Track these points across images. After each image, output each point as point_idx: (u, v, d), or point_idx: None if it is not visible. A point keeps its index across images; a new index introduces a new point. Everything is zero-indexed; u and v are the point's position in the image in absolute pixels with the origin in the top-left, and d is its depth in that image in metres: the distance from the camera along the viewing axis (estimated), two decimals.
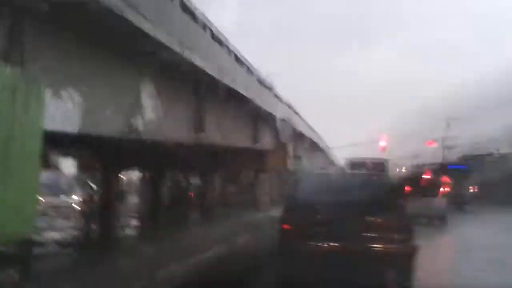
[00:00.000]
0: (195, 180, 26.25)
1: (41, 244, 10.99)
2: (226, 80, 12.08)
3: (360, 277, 5.96)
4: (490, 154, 42.58)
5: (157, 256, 8.61)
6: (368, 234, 6.12)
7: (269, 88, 19.12)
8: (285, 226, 6.45)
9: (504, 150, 40.10)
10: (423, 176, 19.29)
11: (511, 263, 8.29)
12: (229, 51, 13.02)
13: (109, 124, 8.26)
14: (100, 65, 7.70)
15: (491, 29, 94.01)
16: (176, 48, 8.67)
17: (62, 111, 6.54)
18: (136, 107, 9.05)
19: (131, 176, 30.35)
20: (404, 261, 6.10)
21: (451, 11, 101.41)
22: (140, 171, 24.28)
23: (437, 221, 16.52)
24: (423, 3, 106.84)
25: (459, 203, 23.96)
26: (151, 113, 9.54)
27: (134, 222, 17.32)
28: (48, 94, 6.00)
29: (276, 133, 22.34)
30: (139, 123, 9.11)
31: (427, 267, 7.34)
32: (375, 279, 5.95)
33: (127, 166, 20.72)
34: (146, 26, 7.52)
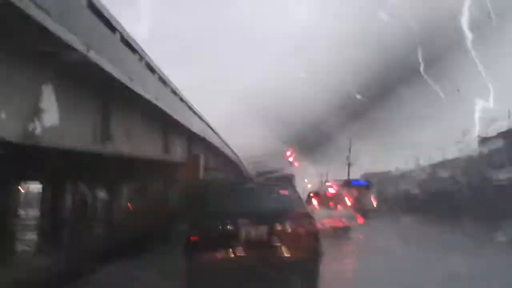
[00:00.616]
0: (102, 192, 25.09)
1: None
2: (136, 87, 11.66)
3: (267, 285, 5.95)
4: (388, 172, 45.96)
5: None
6: (275, 242, 6.15)
7: (182, 99, 18.86)
8: (192, 238, 6.29)
9: (401, 167, 43.44)
10: (328, 190, 20.19)
11: (400, 264, 8.83)
12: (141, 57, 12.64)
13: (2, 127, 7.56)
14: None
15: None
16: (81, 48, 8.19)
17: None
18: (35, 110, 8.39)
19: (32, 187, 28.41)
20: (310, 267, 6.22)
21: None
22: (40, 182, 22.76)
23: (341, 230, 17.34)
24: None
25: (361, 214, 25.32)
26: (51, 117, 8.90)
27: (30, 237, 16.05)
28: None
29: (188, 144, 22.06)
30: (37, 128, 8.45)
31: (331, 271, 7.58)
32: (282, 286, 5.98)
33: (26, 176, 19.31)
34: (49, 23, 7.01)
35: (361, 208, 25.99)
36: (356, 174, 40.07)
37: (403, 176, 42.56)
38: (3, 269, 8.53)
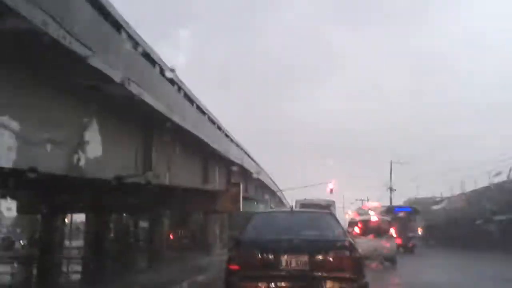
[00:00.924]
0: (143, 222, 25.46)
1: None
2: (175, 118, 11.87)
3: None
4: (433, 198, 44.41)
5: None
6: (318, 273, 5.95)
7: (220, 129, 19.07)
8: (232, 266, 6.18)
9: (445, 194, 41.88)
10: (371, 218, 19.62)
11: None
12: (179, 88, 12.90)
13: (48, 160, 7.81)
14: (37, 96, 7.33)
15: (429, 69, 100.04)
16: (122, 81, 8.43)
17: None
18: (78, 143, 8.65)
19: (77, 218, 29.15)
20: None
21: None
22: (84, 213, 23.32)
23: (387, 261, 16.69)
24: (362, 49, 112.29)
25: (406, 244, 24.43)
26: (95, 150, 9.15)
27: (77, 267, 16.33)
28: None
29: (227, 174, 22.15)
30: (81, 160, 8.69)
31: None
32: None
33: (71, 208, 19.82)
34: (93, 60, 7.28)
35: (405, 236, 25.08)
36: (398, 200, 39.04)
37: (448, 202, 40.94)
38: None
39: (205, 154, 17.55)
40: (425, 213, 36.83)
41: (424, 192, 45.68)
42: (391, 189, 39.06)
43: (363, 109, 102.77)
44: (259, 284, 5.96)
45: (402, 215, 28.29)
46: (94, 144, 9.09)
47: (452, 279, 12.86)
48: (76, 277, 14.27)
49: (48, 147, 7.69)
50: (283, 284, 5.91)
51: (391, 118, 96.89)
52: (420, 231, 30.23)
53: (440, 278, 13.12)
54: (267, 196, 37.51)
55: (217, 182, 20.12)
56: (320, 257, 6.05)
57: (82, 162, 8.72)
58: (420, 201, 41.59)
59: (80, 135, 8.71)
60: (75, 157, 8.56)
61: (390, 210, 30.12)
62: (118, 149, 10.47)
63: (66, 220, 26.61)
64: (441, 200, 42.77)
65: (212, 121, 17.46)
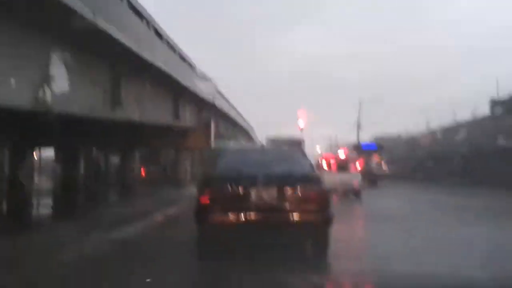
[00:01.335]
0: (114, 158, 25.43)
1: None
2: (145, 54, 11.63)
3: (278, 247, 6.07)
4: (398, 136, 45.72)
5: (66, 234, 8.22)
6: (287, 205, 6.21)
7: (191, 65, 18.79)
8: (202, 200, 6.37)
9: (412, 132, 43.14)
10: (338, 154, 20.20)
11: (413, 231, 8.90)
12: (148, 23, 12.53)
13: (15, 95, 7.65)
14: (1, 30, 7.05)
15: (414, 9, 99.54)
16: (89, 16, 8.14)
17: None
18: (45, 78, 8.45)
19: (46, 153, 28.78)
20: (320, 230, 6.29)
21: None
22: (54, 148, 23.04)
23: (352, 194, 17.39)
24: None
25: (371, 178, 25.39)
26: (61, 85, 8.96)
27: (48, 202, 16.39)
28: None
29: (198, 111, 22.10)
30: (48, 95, 8.52)
31: (342, 235, 7.69)
32: (292, 249, 6.09)
33: (40, 143, 19.56)
34: None
35: (371, 172, 26.02)
36: (365, 138, 39.95)
37: (413, 140, 42.32)
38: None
39: (176, 91, 17.37)
40: (391, 150, 38.04)
41: (392, 130, 46.88)
42: (358, 126, 39.67)
43: (336, 51, 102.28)
44: (229, 216, 6.18)
45: (368, 151, 29.22)
46: (61, 79, 8.90)
47: (404, 206, 13.91)
48: (47, 211, 14.36)
49: (13, 81, 7.51)
50: (252, 216, 6.13)
51: (364, 59, 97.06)
52: (384, 166, 31.35)
53: (397, 207, 14.02)
54: (238, 134, 37.78)
55: (188, 118, 20.10)
56: (288, 190, 6.29)
57: (48, 97, 8.56)
58: (387, 138, 42.77)
59: (46, 70, 8.49)
60: (41, 92, 8.39)
61: (357, 146, 30.96)
62: (86, 85, 10.28)
63: (35, 155, 26.31)
64: (407, 137, 44.10)
65: (183, 58, 17.16)
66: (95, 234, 8.26)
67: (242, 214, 6.12)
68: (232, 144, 28.18)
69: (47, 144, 20.48)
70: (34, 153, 25.16)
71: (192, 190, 15.01)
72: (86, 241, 7.67)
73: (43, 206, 15.53)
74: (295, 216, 6.21)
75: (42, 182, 22.65)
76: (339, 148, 26.57)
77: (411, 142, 41.54)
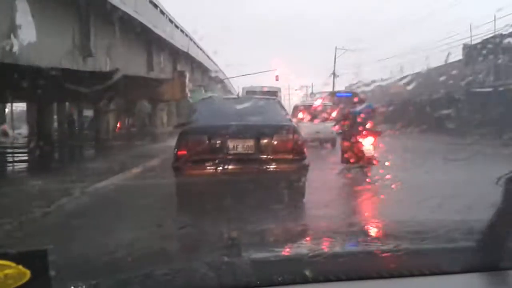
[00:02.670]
0: (87, 111, 25.00)
1: None
2: (114, 1, 11.16)
3: (254, 197, 6.12)
4: (374, 81, 45.78)
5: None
6: (263, 155, 6.24)
7: (164, 13, 18.16)
8: (180, 152, 6.34)
9: (386, 78, 43.37)
10: (313, 103, 20.19)
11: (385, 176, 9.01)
12: None
13: None
14: None
15: None
16: None
17: None
18: (11, 27, 8.06)
19: (17, 107, 28.14)
20: (296, 179, 6.37)
21: None
22: (25, 102, 22.47)
23: (327, 143, 17.57)
24: None
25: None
26: (29, 35, 8.59)
27: (22, 156, 16.12)
28: None
29: (173, 62, 21.63)
30: (14, 46, 8.16)
31: (317, 182, 7.79)
32: (270, 197, 6.16)
33: (9, 96, 19.02)
34: None
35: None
36: (342, 87, 40.06)
37: (388, 87, 42.63)
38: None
39: (149, 41, 16.88)
40: (366, 98, 38.15)
41: (367, 78, 47.06)
42: (334, 75, 39.59)
43: None
44: (207, 168, 6.19)
45: (343, 100, 29.33)
46: (27, 29, 8.52)
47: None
48: (21, 165, 14.14)
49: None
50: (230, 167, 6.16)
51: (341, 5, 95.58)
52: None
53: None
54: (214, 84, 37.35)
55: (162, 70, 19.68)
56: (265, 140, 6.31)
57: (15, 48, 8.22)
58: (362, 86, 42.82)
59: (10, 19, 8.08)
60: (8, 42, 8.03)
61: (332, 95, 31.03)
62: (54, 35, 9.88)
63: (6, 109, 25.68)
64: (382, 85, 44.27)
65: (155, 5, 16.54)
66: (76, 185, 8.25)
67: (218, 164, 6.13)
68: (207, 95, 27.94)
69: (18, 98, 19.92)
70: (6, 108, 24.53)
71: (169, 142, 14.93)
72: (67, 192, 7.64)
73: (18, 161, 15.29)
74: (271, 166, 6.26)
75: (16, 136, 22.21)
76: (314, 98, 26.58)
77: (385, 90, 41.89)
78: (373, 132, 9.99)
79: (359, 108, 10.71)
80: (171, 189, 6.40)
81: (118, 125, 25.84)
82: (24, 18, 8.48)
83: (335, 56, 39.76)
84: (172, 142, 6.81)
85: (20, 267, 0.78)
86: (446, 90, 29.29)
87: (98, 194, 8.01)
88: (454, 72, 30.41)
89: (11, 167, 14.18)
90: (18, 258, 0.79)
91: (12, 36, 8.16)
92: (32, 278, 0.79)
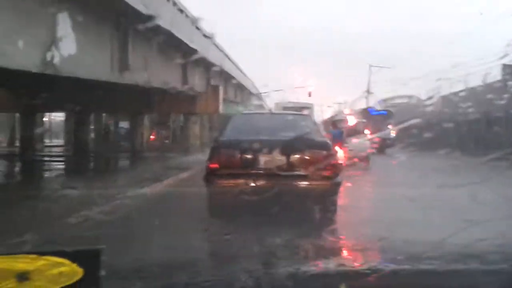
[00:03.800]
0: (123, 122, 25.54)
1: None
2: (152, 15, 11.41)
3: (284, 212, 6.08)
4: (410, 97, 45.12)
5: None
6: (295, 171, 6.19)
7: (199, 29, 18.48)
8: (212, 165, 6.37)
9: (423, 97, 42.59)
10: (346, 119, 20.02)
11: (420, 200, 8.85)
12: None
13: (22, 57, 7.59)
14: None
15: None
16: None
17: None
18: (52, 39, 8.36)
19: (56, 117, 29.04)
20: (329, 196, 6.29)
21: None
22: (64, 112, 23.17)
23: (360, 161, 17.33)
24: None
25: (380, 146, 25.24)
26: (69, 47, 8.87)
27: (59, 165, 16.58)
28: None
29: (207, 76, 21.91)
30: (55, 58, 8.45)
31: (350, 201, 7.68)
32: (301, 213, 6.10)
33: (49, 107, 19.66)
34: None
35: (380, 138, 25.84)
36: (375, 104, 39.61)
37: (423, 106, 41.76)
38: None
39: (184, 55, 17.17)
40: (400, 116, 37.66)
41: (401, 95, 46.33)
42: (368, 92, 39.36)
43: (347, 11, 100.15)
44: (238, 182, 6.18)
45: (377, 117, 29.00)
46: (68, 42, 8.80)
47: (410, 173, 13.85)
48: (58, 173, 14.54)
49: (21, 44, 7.43)
50: (260, 181, 6.13)
51: (376, 21, 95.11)
52: (393, 133, 31.13)
53: (403, 174, 13.97)
54: (247, 99, 37.62)
55: (196, 84, 19.96)
56: (297, 156, 6.26)
57: (56, 60, 8.50)
58: (396, 104, 42.35)
59: (52, 32, 8.38)
60: (49, 54, 8.33)
61: (366, 112, 30.67)
62: (93, 48, 10.19)
63: (46, 119, 26.53)
64: (418, 103, 43.56)
65: (191, 21, 16.86)
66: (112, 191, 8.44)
67: (250, 179, 6.12)
68: (240, 110, 28.13)
69: (57, 108, 20.56)
70: (45, 117, 25.31)
71: (201, 155, 15.07)
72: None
73: (55, 169, 15.71)
74: (303, 182, 6.20)
75: (54, 145, 22.85)
76: (348, 114, 26.37)
77: (421, 108, 41.08)
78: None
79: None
80: (203, 202, 6.44)
81: (152, 136, 26.28)
82: (66, 31, 8.78)
83: (369, 73, 39.52)
84: (204, 155, 6.87)
85: (75, 265, 0.81)
86: (484, 110, 28.56)
87: (133, 203, 8.13)
88: (492, 92, 29.59)
89: (48, 174, 14.57)
90: (73, 256, 0.82)
91: (53, 48, 8.45)
92: (84, 276, 0.82)
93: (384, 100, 41.72)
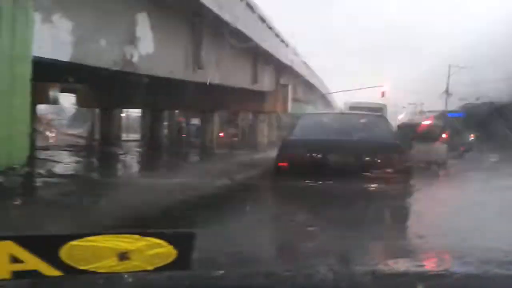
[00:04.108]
0: (194, 119, 26.29)
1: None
2: (225, 15, 11.65)
3: (353, 214, 5.96)
4: (491, 103, 42.47)
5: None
6: (365, 173, 6.05)
7: (270, 28, 18.58)
8: (280, 164, 6.39)
9: (505, 100, 39.96)
10: (422, 122, 19.26)
11: (502, 207, 8.33)
12: None
13: (103, 55, 8.03)
14: None
15: None
16: None
17: (52, 38, 6.29)
18: (131, 38, 8.76)
19: (131, 113, 30.49)
20: (400, 201, 6.10)
21: None
22: (140, 108, 24.26)
23: (436, 165, 16.60)
24: None
25: (458, 149, 24.09)
26: (146, 46, 9.26)
27: (135, 158, 17.38)
28: (36, 20, 5.74)
29: (276, 75, 22.00)
30: (134, 56, 8.86)
31: (422, 206, 7.39)
32: (372, 215, 5.96)
33: (125, 103, 20.64)
34: None
35: (457, 141, 24.66)
36: (454, 106, 37.76)
37: (505, 109, 39.10)
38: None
39: (255, 54, 17.36)
40: (480, 119, 35.63)
41: (484, 97, 43.71)
42: (447, 93, 37.42)
43: (421, 10, 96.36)
44: (306, 181, 6.15)
45: (454, 120, 27.63)
46: (145, 41, 9.20)
47: (491, 178, 12.90)
48: (135, 166, 15.26)
49: (103, 42, 7.86)
50: (330, 182, 6.06)
51: (453, 19, 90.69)
52: (472, 136, 29.54)
53: (486, 179, 13.09)
54: (316, 98, 37.32)
55: (266, 82, 20.11)
56: (368, 157, 6.12)
57: (135, 58, 8.90)
58: (477, 107, 40.05)
59: (132, 31, 8.78)
60: (129, 52, 8.74)
61: (443, 114, 29.36)
62: (169, 47, 10.55)
63: (123, 115, 27.89)
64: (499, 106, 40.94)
65: (262, 20, 16.99)
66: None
67: (318, 178, 6.06)
68: (310, 110, 27.97)
69: (134, 105, 21.57)
70: (122, 113, 26.59)
71: (269, 154, 15.15)
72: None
73: (132, 162, 16.48)
74: (373, 184, 6.05)
75: (130, 140, 23.98)
76: (423, 117, 25.36)
77: (503, 110, 38.46)
78: None
79: None
80: (274, 198, 6.47)
81: (221, 134, 26.83)
82: (144, 30, 9.18)
83: (448, 73, 37.72)
84: (272, 153, 6.89)
85: (171, 247, 0.85)
86: None
87: (213, 193, 8.36)
88: None
89: (125, 166, 15.28)
90: (170, 238, 0.86)
91: (132, 46, 8.86)
92: (177, 259, 0.86)
93: (463, 102, 39.64)
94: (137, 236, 0.86)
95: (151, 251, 0.85)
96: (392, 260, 1.52)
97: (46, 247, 0.83)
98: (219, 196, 8.06)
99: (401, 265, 1.45)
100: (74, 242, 0.83)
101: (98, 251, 0.84)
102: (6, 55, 4.81)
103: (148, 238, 0.86)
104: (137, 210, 5.70)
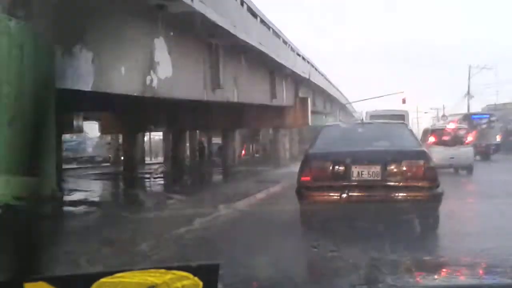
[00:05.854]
0: (215, 138, 26.48)
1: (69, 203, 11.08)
2: (240, 34, 11.79)
3: (384, 225, 5.87)
4: None
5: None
6: (391, 182, 5.96)
7: (286, 43, 18.69)
8: (303, 178, 6.34)
9: None
10: (446, 126, 18.95)
11: None
12: (242, 2, 12.64)
13: (123, 82, 8.18)
14: (110, 19, 7.52)
15: None
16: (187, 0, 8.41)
17: (74, 69, 6.45)
18: (150, 64, 8.92)
19: (154, 136, 30.87)
20: (428, 209, 5.97)
21: None
22: (162, 131, 24.58)
23: (463, 169, 16.26)
24: None
25: (484, 152, 23.56)
26: (165, 70, 9.41)
27: (159, 181, 17.55)
28: (58, 51, 5.90)
29: (294, 88, 22.04)
30: (153, 81, 9.00)
31: (453, 214, 7.23)
32: (399, 227, 5.86)
33: (148, 126, 20.94)
34: None
35: (483, 144, 24.15)
36: (477, 108, 37.12)
37: None
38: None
39: (272, 70, 17.45)
40: (505, 120, 34.89)
41: (506, 98, 42.90)
42: (469, 95, 36.75)
43: (438, 14, 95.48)
44: (331, 194, 6.09)
45: (480, 122, 27.09)
46: (164, 65, 9.34)
47: None
48: (158, 188, 15.39)
49: (123, 70, 8.02)
50: (355, 193, 5.97)
51: (471, 21, 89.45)
52: (498, 138, 28.88)
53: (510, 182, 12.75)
54: (336, 109, 37.15)
55: (284, 97, 20.14)
56: (392, 167, 6.02)
57: (154, 83, 9.04)
58: (500, 108, 39.25)
59: (150, 56, 8.94)
60: (148, 78, 8.88)
61: (467, 117, 28.84)
62: (187, 69, 10.69)
63: (146, 139, 28.28)
64: None
65: (277, 35, 17.11)
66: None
67: (343, 191, 5.99)
68: (330, 121, 27.83)
69: (156, 128, 21.86)
70: (145, 137, 26.95)
71: (291, 168, 15.11)
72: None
73: (155, 185, 16.64)
74: (400, 194, 5.95)
75: (154, 163, 24.23)
76: (447, 121, 24.93)
77: None
78: None
79: None
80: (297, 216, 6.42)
81: (243, 151, 26.88)
82: (162, 55, 9.33)
83: (469, 75, 37.12)
84: (295, 168, 6.85)
85: (196, 278, 0.87)
86: None
87: (232, 217, 8.38)
88: None
89: (149, 189, 15.44)
90: (195, 270, 0.88)
91: (151, 72, 9.01)
92: None
93: (488, 104, 38.84)
94: (163, 270, 0.89)
95: (178, 283, 0.87)
96: (419, 275, 1.47)
97: (78, 286, 0.85)
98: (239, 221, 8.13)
99: (428, 281, 1.41)
100: (104, 279, 0.86)
101: (127, 286, 0.86)
102: (28, 90, 4.95)
103: (175, 271, 0.88)
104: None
